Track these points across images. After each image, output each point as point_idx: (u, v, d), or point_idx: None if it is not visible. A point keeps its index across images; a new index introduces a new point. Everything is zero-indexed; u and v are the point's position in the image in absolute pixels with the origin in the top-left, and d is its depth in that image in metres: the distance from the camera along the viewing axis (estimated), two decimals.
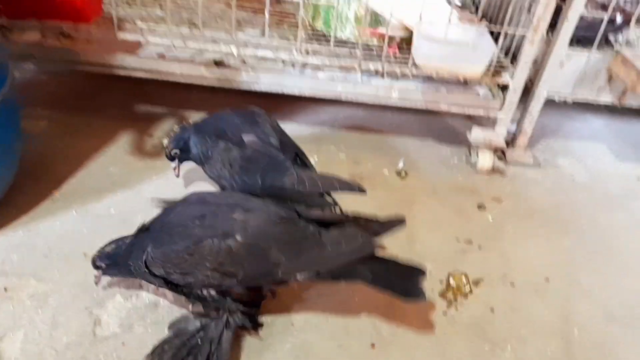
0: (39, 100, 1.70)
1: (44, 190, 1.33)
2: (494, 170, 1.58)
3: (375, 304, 1.12)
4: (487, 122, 1.60)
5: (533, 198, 1.52)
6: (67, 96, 1.76)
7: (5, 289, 1.06)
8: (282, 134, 1.18)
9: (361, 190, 1.05)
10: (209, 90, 1.58)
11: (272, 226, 0.92)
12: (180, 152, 1.21)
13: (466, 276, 1.22)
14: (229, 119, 1.20)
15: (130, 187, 1.38)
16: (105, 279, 1.08)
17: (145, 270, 0.91)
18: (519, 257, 1.30)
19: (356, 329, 1.07)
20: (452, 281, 1.20)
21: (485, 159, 1.55)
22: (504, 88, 1.50)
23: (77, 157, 1.46)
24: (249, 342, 1.02)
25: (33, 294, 1.06)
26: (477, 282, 1.21)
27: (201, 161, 1.19)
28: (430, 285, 1.18)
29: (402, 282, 0.97)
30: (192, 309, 1.05)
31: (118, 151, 1.52)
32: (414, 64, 1.41)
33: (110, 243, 1.01)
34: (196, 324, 1.00)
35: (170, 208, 0.98)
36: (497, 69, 1.47)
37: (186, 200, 0.99)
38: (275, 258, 0.90)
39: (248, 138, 1.12)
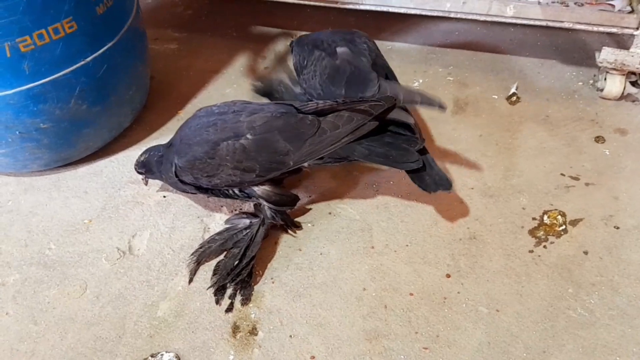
0: (169, 22, 1.87)
1: (171, 110, 1.51)
2: (623, 97, 1.39)
3: (457, 235, 1.14)
4: (628, 39, 1.38)
5: None
6: (192, 17, 1.90)
7: (137, 196, 1.27)
8: (377, 56, 1.19)
9: (441, 106, 1.05)
10: (322, 10, 1.59)
11: (275, 121, 1.02)
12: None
13: (563, 215, 1.15)
14: (329, 34, 1.24)
15: None
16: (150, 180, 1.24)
17: (177, 180, 1.07)
18: (634, 198, 1.18)
19: (434, 257, 1.10)
20: (546, 219, 1.15)
21: (615, 84, 1.37)
22: None
23: (198, 78, 1.61)
24: (329, 260, 1.11)
25: (158, 201, 1.26)
26: (575, 222, 1.14)
27: (297, 71, 1.26)
28: (521, 222, 1.15)
29: (398, 154, 1.03)
30: (244, 209, 1.21)
31: (233, 73, 1.64)
32: None
33: (143, 153, 1.17)
34: (245, 222, 1.16)
35: (184, 124, 1.11)
36: None
37: (195, 115, 1.10)
38: (283, 147, 1.01)
39: (342, 49, 1.15)
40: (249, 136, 1.01)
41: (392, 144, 1.04)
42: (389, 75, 1.17)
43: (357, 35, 1.25)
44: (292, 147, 1.01)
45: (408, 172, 1.06)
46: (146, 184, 1.24)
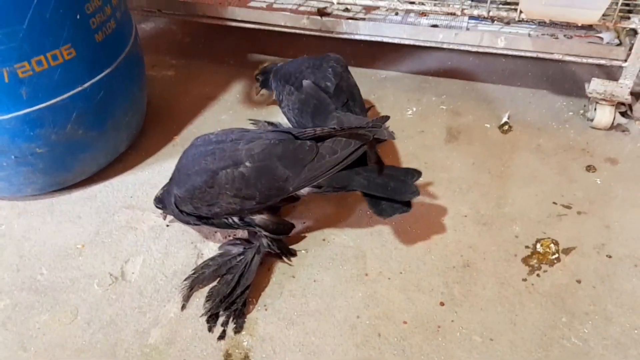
0: (167, 49, 1.90)
1: (167, 136, 1.52)
2: (613, 127, 1.42)
3: (451, 263, 1.14)
4: (617, 70, 1.41)
5: None
6: (190, 44, 1.93)
7: (131, 221, 1.27)
8: (342, 80, 1.24)
9: (391, 136, 1.07)
10: (318, 39, 1.62)
11: (274, 147, 1.02)
12: (262, 82, 1.44)
13: (556, 243, 1.16)
14: (299, 64, 1.29)
15: None
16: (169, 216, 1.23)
17: (178, 211, 1.07)
18: (625, 227, 1.19)
19: (428, 285, 1.10)
20: (539, 247, 1.16)
21: (604, 114, 1.39)
22: (633, 32, 1.30)
23: (194, 104, 1.63)
24: (322, 287, 1.11)
25: (152, 226, 1.26)
26: (567, 251, 1.15)
27: (278, 103, 1.33)
28: (514, 250, 1.15)
29: (396, 185, 1.04)
30: (238, 235, 1.21)
31: (230, 99, 1.66)
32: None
33: (161, 189, 1.18)
34: (239, 248, 1.15)
35: (182, 154, 1.11)
36: (624, 11, 1.27)
37: (193, 145, 1.11)
38: (282, 174, 1.01)
39: (306, 82, 1.20)
40: (247, 164, 1.01)
41: (390, 175, 1.05)
42: (350, 99, 1.22)
43: (327, 59, 1.31)
44: (291, 173, 1.01)
45: (365, 196, 1.07)
46: (164, 218, 1.25)
